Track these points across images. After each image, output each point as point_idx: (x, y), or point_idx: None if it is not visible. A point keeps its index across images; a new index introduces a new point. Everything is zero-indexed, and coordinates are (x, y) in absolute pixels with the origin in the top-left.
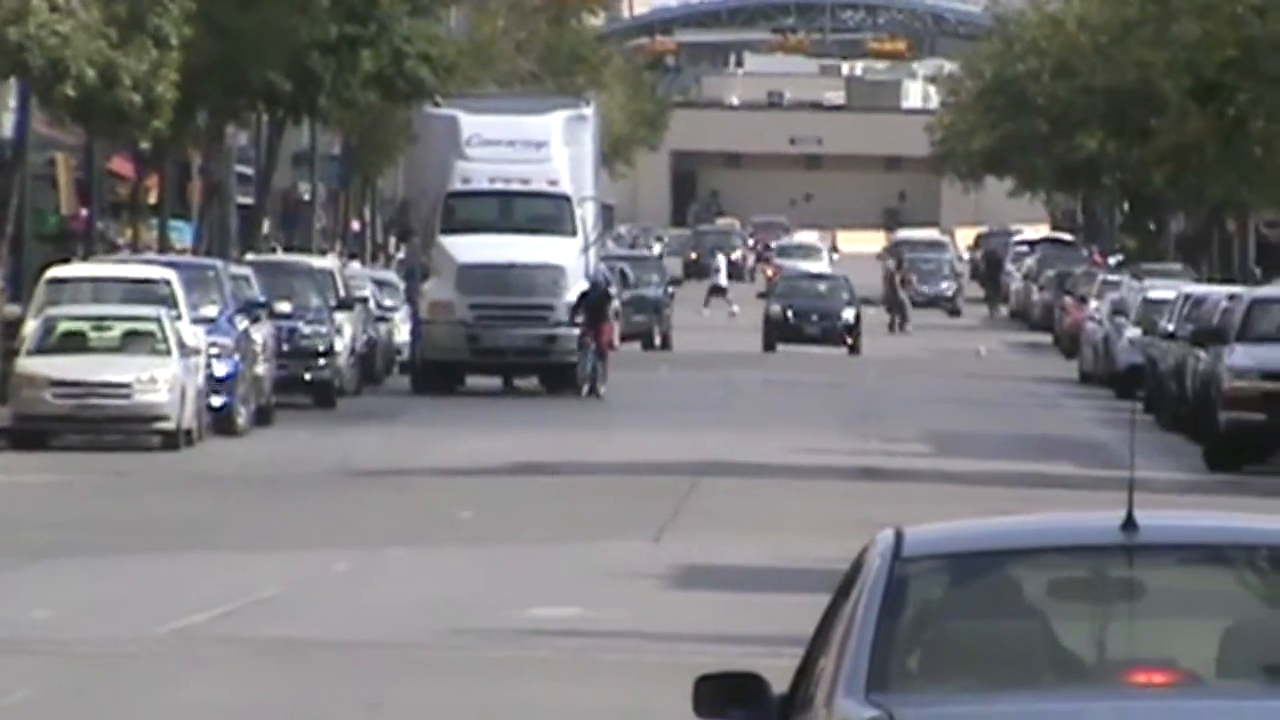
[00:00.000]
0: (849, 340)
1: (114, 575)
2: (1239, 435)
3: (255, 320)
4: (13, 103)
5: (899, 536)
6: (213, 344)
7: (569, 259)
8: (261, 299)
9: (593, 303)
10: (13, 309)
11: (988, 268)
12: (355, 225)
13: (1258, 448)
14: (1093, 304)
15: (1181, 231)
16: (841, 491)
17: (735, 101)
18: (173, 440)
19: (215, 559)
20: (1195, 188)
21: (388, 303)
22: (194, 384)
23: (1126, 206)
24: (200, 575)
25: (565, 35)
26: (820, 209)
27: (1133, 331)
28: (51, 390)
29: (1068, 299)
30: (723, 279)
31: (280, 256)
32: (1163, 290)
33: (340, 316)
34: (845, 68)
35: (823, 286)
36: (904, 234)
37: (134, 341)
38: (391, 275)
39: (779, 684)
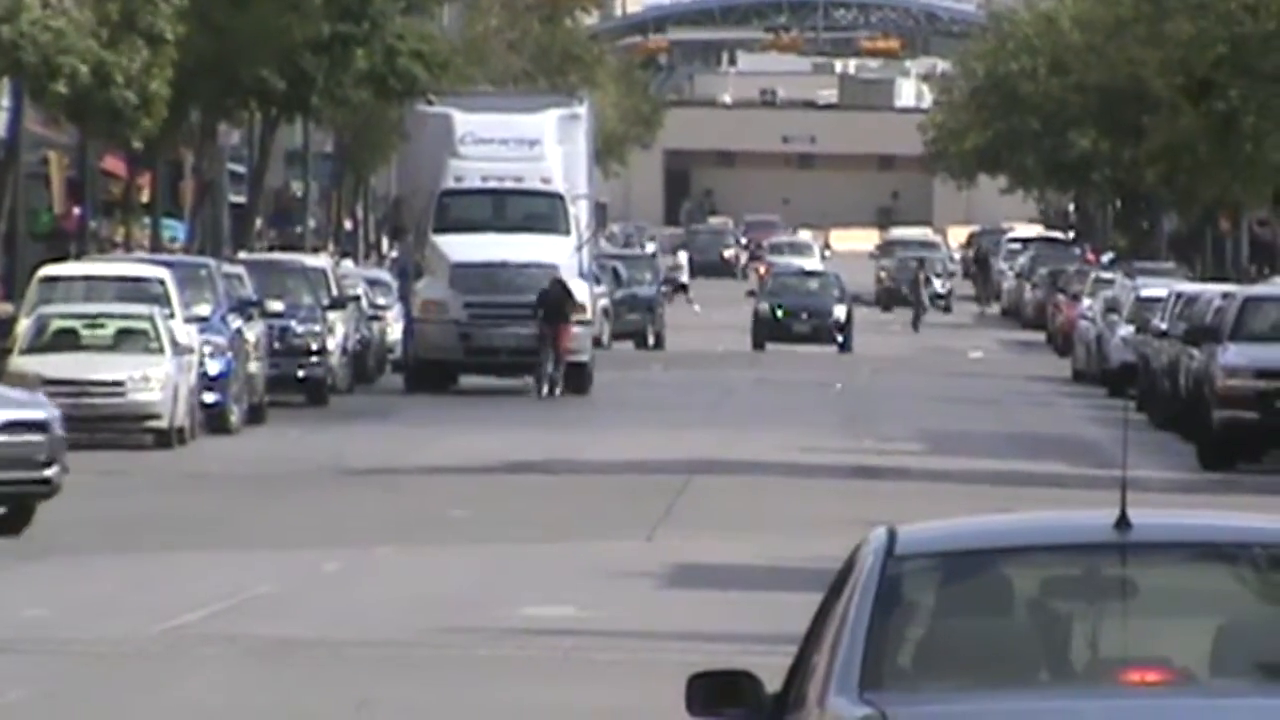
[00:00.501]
0: (839, 338)
1: (107, 574)
2: (1232, 434)
3: (248, 319)
4: (5, 101)
5: (892, 535)
6: (205, 342)
7: (562, 258)
8: (254, 297)
9: (551, 301)
10: (5, 307)
11: (977, 266)
12: (348, 224)
13: (1251, 446)
14: (1086, 302)
15: (1174, 230)
16: (834, 490)
17: (728, 100)
18: (165, 439)
19: (208, 558)
20: (1188, 186)
21: (380, 301)
22: (187, 382)
23: (1119, 204)
24: (193, 574)
25: (558, 34)
26: (813, 208)
27: (1125, 330)
28: (44, 389)
29: (1061, 297)
30: (685, 276)
31: (273, 255)
32: (1155, 288)
33: (333, 315)
34: (838, 66)
35: (813, 284)
36: (896, 233)
37: (127, 340)
38: (384, 274)
39: (772, 682)
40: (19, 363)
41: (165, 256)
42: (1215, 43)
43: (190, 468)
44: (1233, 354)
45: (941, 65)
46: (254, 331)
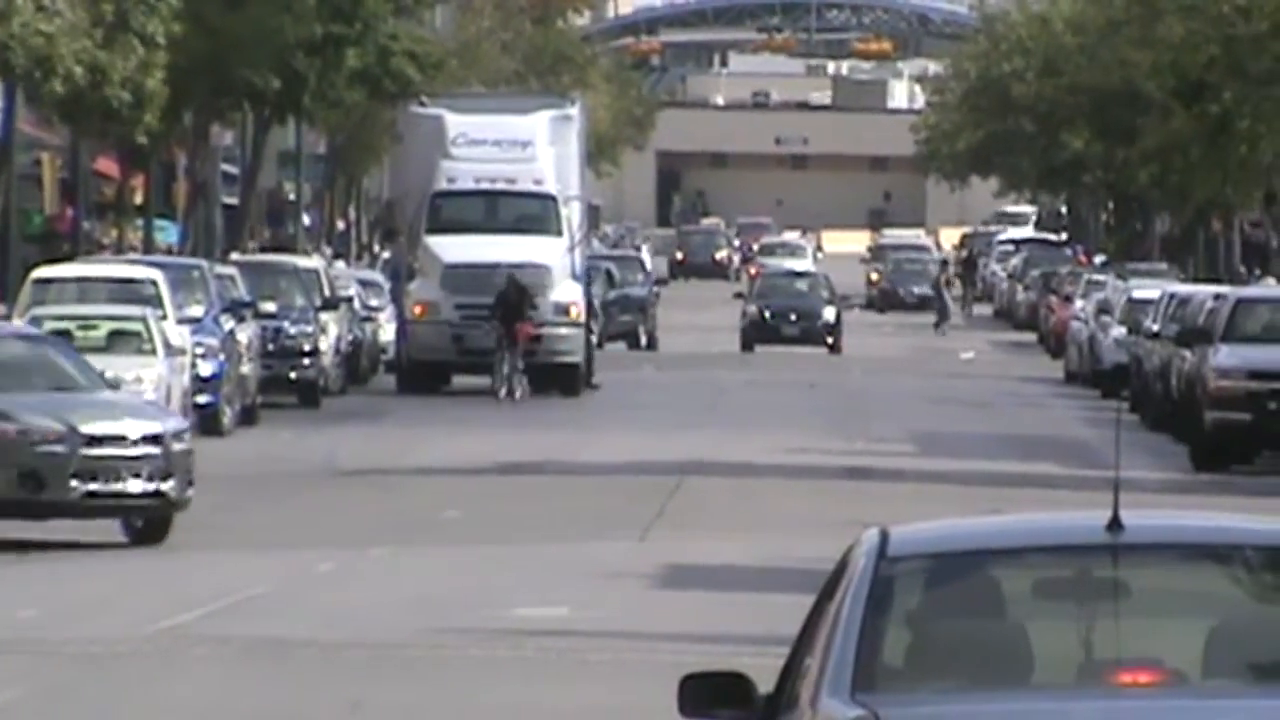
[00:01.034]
0: (829, 340)
1: (100, 574)
2: (1224, 435)
3: (240, 320)
4: None
5: (884, 536)
6: (198, 344)
7: (554, 259)
8: (247, 299)
9: (509, 301)
10: None
11: (965, 267)
12: (340, 225)
13: (1243, 447)
14: (1078, 303)
15: (1166, 231)
16: (827, 491)
17: (721, 101)
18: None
19: (201, 558)
20: (1180, 187)
21: (373, 302)
22: (179, 384)
23: (1111, 206)
24: (186, 574)
25: (551, 35)
26: (806, 209)
27: (1118, 331)
28: None
29: (1053, 298)
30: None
31: (265, 256)
32: (1148, 290)
33: (325, 316)
34: (831, 67)
35: (802, 285)
36: (889, 235)
37: (119, 341)
38: (377, 275)
39: (764, 683)
40: None
41: (158, 258)
42: (1207, 44)
43: None
44: (1225, 355)
45: (934, 67)
46: (246, 333)
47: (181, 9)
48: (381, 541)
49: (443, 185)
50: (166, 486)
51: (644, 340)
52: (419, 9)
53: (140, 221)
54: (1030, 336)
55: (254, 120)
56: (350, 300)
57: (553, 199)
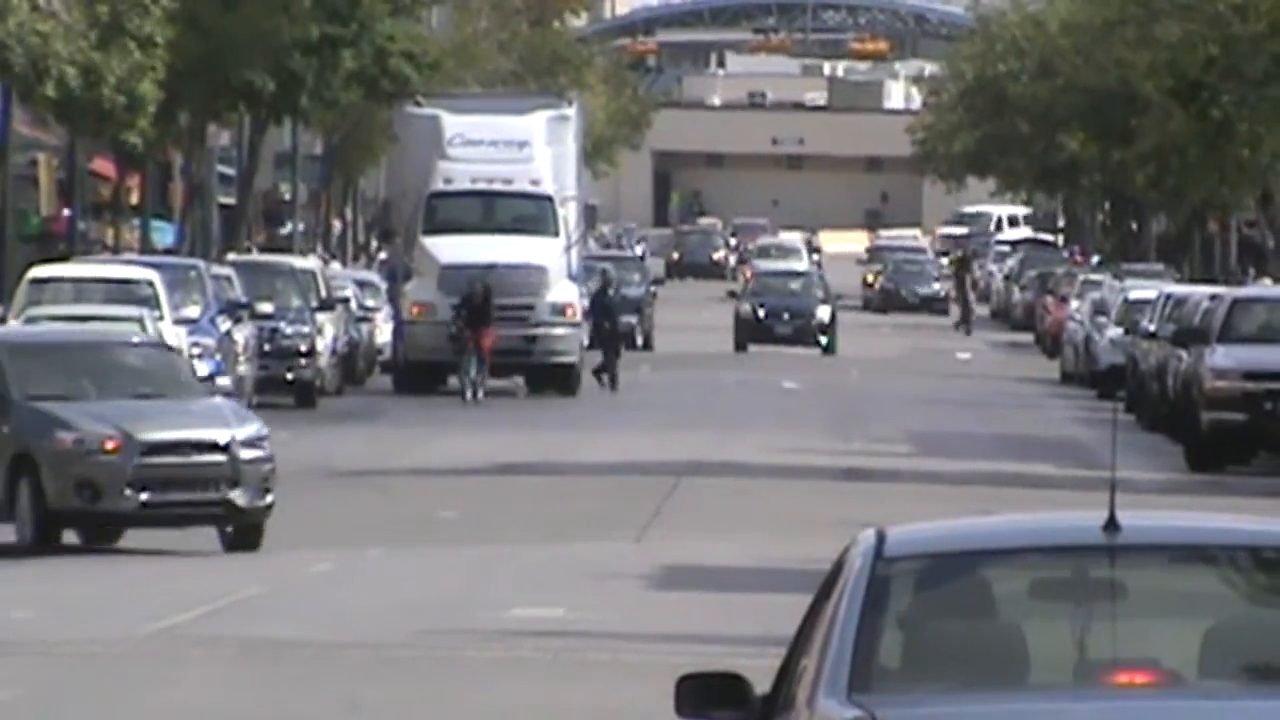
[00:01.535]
0: (823, 340)
1: (96, 575)
2: (1220, 435)
3: (237, 320)
4: None
5: (881, 536)
6: (194, 344)
7: (551, 259)
8: (243, 299)
9: (475, 304)
10: None
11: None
12: (337, 225)
13: (1239, 448)
14: (1074, 304)
15: (1162, 231)
16: (823, 491)
17: (717, 102)
18: None
19: (197, 559)
20: (1176, 188)
21: (369, 303)
22: None
23: (1107, 206)
24: (182, 575)
25: (547, 35)
26: (802, 209)
27: (1114, 331)
28: None
29: (1049, 299)
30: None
31: (262, 257)
32: (1144, 290)
33: (322, 317)
34: (827, 68)
35: (795, 284)
36: (886, 236)
37: None
38: (373, 276)
39: (761, 684)
40: None
41: (154, 258)
42: (1204, 45)
43: None
44: (1221, 356)
45: (930, 67)
46: (243, 333)
47: (177, 10)
48: (378, 542)
49: (439, 186)
50: (234, 494)
51: (640, 341)
52: (415, 9)
53: (136, 222)
54: (1027, 337)
55: (250, 121)
56: (347, 301)
57: (549, 199)
